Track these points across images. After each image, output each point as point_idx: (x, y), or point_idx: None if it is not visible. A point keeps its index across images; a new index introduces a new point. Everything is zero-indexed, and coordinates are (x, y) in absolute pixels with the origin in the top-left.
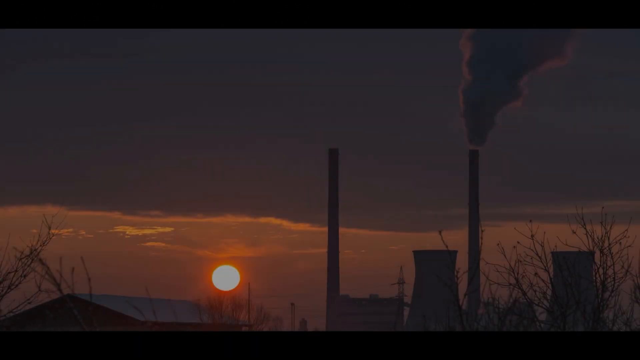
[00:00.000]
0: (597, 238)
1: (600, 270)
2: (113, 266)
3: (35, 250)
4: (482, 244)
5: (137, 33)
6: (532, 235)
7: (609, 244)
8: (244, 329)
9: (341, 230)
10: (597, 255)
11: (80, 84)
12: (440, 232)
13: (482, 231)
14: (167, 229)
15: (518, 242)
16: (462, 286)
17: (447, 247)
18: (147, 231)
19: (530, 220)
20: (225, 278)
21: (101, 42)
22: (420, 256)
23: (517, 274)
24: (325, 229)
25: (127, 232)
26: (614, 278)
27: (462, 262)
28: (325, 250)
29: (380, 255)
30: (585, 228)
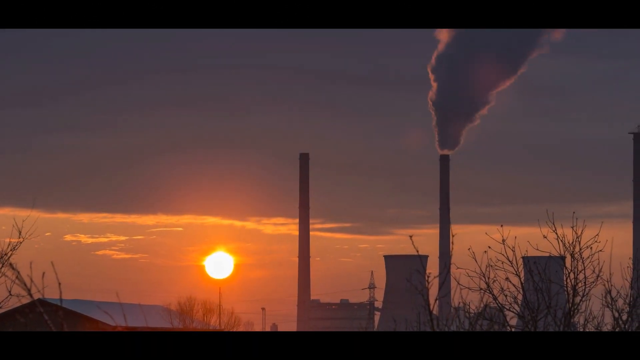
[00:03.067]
0: (568, 243)
1: (571, 275)
2: (71, 273)
3: (6, 254)
4: (452, 248)
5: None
6: (503, 240)
7: (580, 249)
8: None
9: (312, 234)
10: (568, 260)
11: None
12: (411, 237)
13: (453, 236)
14: (121, 237)
15: (489, 247)
16: (433, 291)
17: (417, 251)
18: (102, 239)
19: (502, 225)
20: (219, 265)
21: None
22: (391, 261)
23: (488, 278)
24: (296, 233)
25: (83, 241)
26: (584, 283)
27: (433, 267)
28: (295, 254)
29: (351, 260)
30: (556, 233)
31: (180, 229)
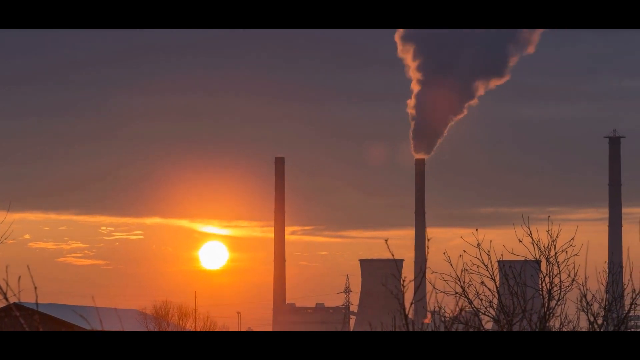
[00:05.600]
0: (544, 247)
1: (547, 279)
2: (39, 277)
3: None
4: (428, 252)
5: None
6: (479, 244)
7: (555, 253)
8: None
9: (287, 238)
10: (544, 263)
11: None
12: (386, 241)
13: (428, 239)
14: (83, 245)
15: (464, 251)
16: (409, 295)
17: (393, 255)
18: (64, 246)
19: (477, 229)
20: (213, 255)
21: None
22: (367, 265)
23: (464, 282)
24: (272, 236)
25: (46, 247)
26: (560, 287)
27: (408, 271)
28: (271, 258)
29: (327, 264)
30: (531, 237)
31: (141, 236)
